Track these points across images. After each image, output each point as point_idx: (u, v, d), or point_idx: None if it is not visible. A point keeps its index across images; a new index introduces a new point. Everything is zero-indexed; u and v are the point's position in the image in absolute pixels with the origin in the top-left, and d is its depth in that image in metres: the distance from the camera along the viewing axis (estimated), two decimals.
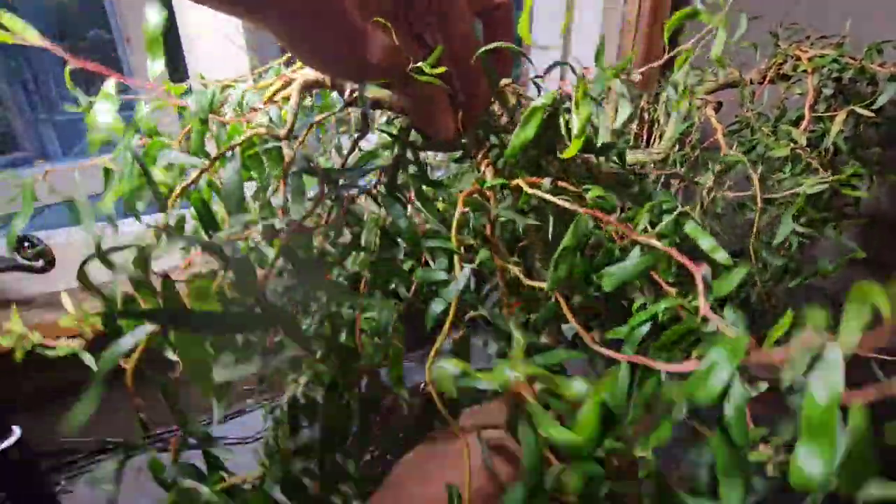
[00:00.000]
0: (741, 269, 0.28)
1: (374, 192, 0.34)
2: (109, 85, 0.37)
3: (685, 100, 0.66)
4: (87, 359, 0.45)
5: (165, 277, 0.23)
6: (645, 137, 0.82)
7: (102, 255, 0.21)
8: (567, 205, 0.28)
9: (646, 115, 0.82)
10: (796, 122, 0.65)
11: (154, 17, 0.35)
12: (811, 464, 0.18)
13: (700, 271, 0.27)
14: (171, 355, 0.39)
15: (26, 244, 0.85)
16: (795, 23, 0.70)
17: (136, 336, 0.27)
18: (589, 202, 0.29)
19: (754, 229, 0.62)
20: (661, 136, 0.76)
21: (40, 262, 0.86)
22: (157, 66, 0.35)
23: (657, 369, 0.25)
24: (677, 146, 0.72)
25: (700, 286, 0.26)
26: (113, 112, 0.37)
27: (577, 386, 0.26)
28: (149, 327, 0.28)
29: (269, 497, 0.36)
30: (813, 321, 0.21)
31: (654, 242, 0.28)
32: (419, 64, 0.30)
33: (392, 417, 0.66)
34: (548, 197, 0.29)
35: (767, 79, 0.69)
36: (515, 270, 0.33)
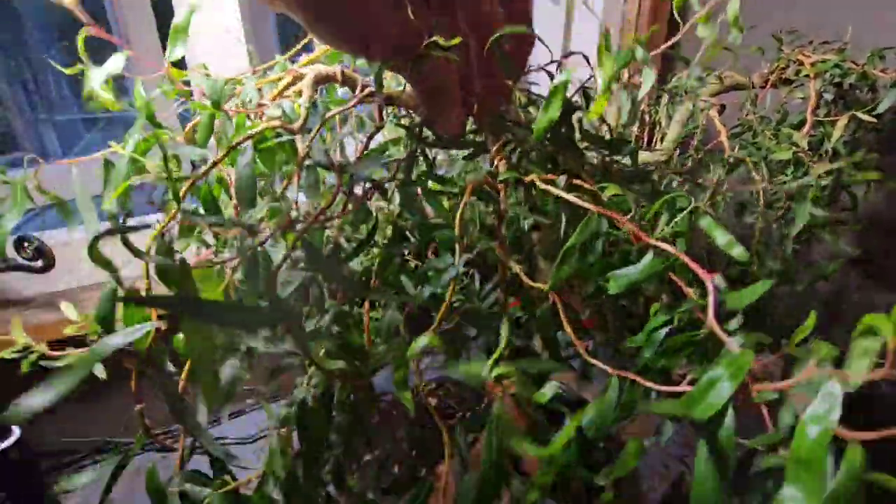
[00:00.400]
0: (765, 282, 0.27)
1: (389, 186, 0.34)
2: (118, 59, 0.37)
3: (689, 102, 0.67)
4: (98, 369, 0.44)
5: (182, 262, 0.23)
6: (645, 140, 0.83)
7: (126, 240, 0.21)
8: (582, 202, 0.28)
9: (647, 118, 0.83)
10: (798, 126, 0.65)
11: (183, 9, 0.36)
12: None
13: (711, 280, 0.26)
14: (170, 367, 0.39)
15: (26, 244, 0.85)
16: (797, 29, 0.70)
17: (129, 334, 0.26)
18: (604, 201, 0.29)
19: (757, 231, 0.63)
20: (661, 139, 0.76)
21: (40, 262, 0.85)
22: (177, 51, 0.35)
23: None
24: (679, 150, 0.72)
25: (711, 296, 0.25)
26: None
27: (548, 390, 0.25)
28: (146, 326, 0.27)
29: (270, 498, 0.36)
30: (818, 353, 0.21)
31: (667, 247, 0.28)
32: (434, 39, 0.30)
33: (393, 419, 0.66)
34: (562, 194, 0.29)
35: (770, 83, 0.70)
36: (516, 268, 0.33)
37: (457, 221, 0.31)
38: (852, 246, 0.68)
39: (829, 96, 0.66)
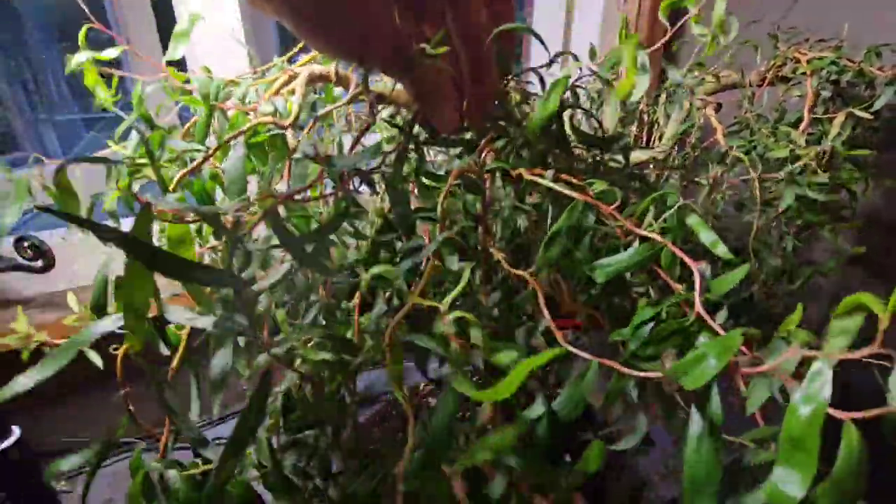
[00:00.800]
0: (743, 268, 0.27)
1: (376, 179, 0.34)
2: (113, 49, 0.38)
3: (685, 99, 0.67)
4: (93, 356, 0.44)
5: (146, 206, 0.22)
6: (644, 139, 0.83)
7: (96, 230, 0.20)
8: (568, 192, 0.28)
9: (645, 117, 0.82)
10: (795, 124, 0.65)
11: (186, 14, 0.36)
12: (789, 483, 0.18)
13: (698, 267, 0.26)
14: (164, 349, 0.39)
15: (26, 244, 0.85)
16: (794, 27, 0.70)
17: (117, 320, 0.26)
18: (591, 194, 0.29)
19: (754, 229, 0.63)
20: (660, 138, 0.76)
21: (40, 262, 0.86)
22: (178, 51, 0.36)
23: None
24: (677, 147, 0.72)
25: (697, 283, 0.25)
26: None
27: (506, 356, 0.25)
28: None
29: (248, 485, 0.36)
30: (799, 338, 0.21)
31: (653, 235, 0.28)
32: (423, 45, 0.30)
33: (389, 417, 0.66)
34: (550, 184, 0.29)
35: (767, 81, 0.70)
36: (499, 255, 0.33)
37: (439, 205, 0.31)
38: (852, 244, 0.68)
39: (826, 94, 0.66)
